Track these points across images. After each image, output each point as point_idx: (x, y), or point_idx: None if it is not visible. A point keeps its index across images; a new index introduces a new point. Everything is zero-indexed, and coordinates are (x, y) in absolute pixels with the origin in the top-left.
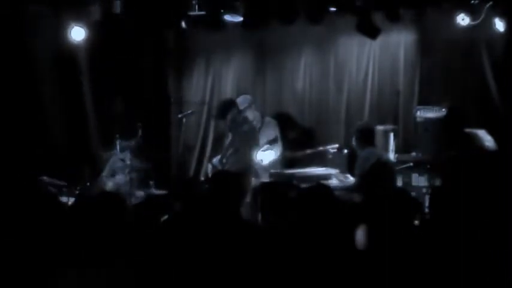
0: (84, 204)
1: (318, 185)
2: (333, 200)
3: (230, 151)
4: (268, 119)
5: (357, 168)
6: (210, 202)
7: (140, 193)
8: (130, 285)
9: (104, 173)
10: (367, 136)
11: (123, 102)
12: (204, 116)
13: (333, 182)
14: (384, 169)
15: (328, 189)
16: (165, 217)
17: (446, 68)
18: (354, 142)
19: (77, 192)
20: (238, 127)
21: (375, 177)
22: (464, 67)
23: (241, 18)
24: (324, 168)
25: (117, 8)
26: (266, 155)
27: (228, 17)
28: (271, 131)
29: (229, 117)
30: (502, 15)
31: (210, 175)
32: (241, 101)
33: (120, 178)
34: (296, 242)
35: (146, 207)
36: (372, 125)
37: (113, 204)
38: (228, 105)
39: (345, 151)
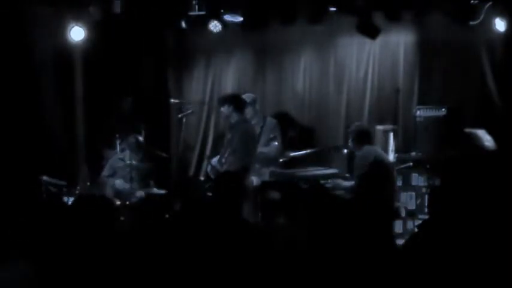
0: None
1: (318, 185)
2: (333, 200)
3: (228, 151)
4: (269, 119)
5: (355, 167)
6: (210, 202)
7: (140, 193)
8: (130, 284)
9: (104, 173)
10: (363, 136)
11: (123, 102)
12: (204, 116)
13: (333, 182)
14: (381, 168)
15: (327, 189)
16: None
17: (446, 68)
18: (350, 143)
19: (77, 192)
20: (236, 126)
21: (373, 176)
22: (464, 67)
23: (241, 18)
24: (323, 168)
25: (117, 8)
26: (266, 150)
27: (228, 17)
28: (272, 131)
29: (225, 109)
30: (502, 15)
31: (210, 175)
32: (244, 98)
33: (120, 177)
34: (296, 242)
35: (146, 207)
36: (367, 125)
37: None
38: (228, 98)
39: (345, 151)
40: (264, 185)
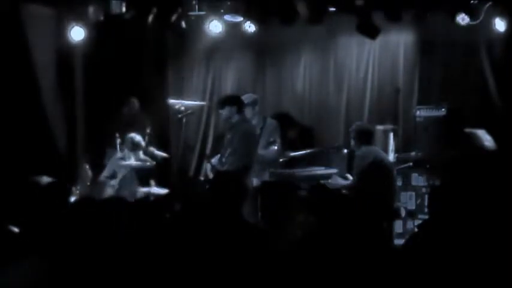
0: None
1: (318, 186)
2: (333, 199)
3: (228, 151)
4: (269, 120)
5: (355, 167)
6: (210, 202)
7: (140, 192)
8: (130, 284)
9: (105, 172)
10: (363, 136)
11: (123, 102)
12: (204, 116)
13: (333, 182)
14: (381, 168)
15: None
16: None
17: (446, 68)
18: (351, 142)
19: (77, 192)
20: (236, 126)
21: (372, 176)
22: (464, 67)
23: (241, 18)
24: (323, 168)
25: (117, 8)
26: (264, 152)
27: (228, 17)
28: (272, 133)
29: (225, 112)
30: (502, 15)
31: (209, 175)
32: (244, 98)
33: (120, 177)
34: (296, 242)
35: (146, 206)
36: (368, 124)
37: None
38: (230, 99)
39: (345, 151)
40: (264, 185)
